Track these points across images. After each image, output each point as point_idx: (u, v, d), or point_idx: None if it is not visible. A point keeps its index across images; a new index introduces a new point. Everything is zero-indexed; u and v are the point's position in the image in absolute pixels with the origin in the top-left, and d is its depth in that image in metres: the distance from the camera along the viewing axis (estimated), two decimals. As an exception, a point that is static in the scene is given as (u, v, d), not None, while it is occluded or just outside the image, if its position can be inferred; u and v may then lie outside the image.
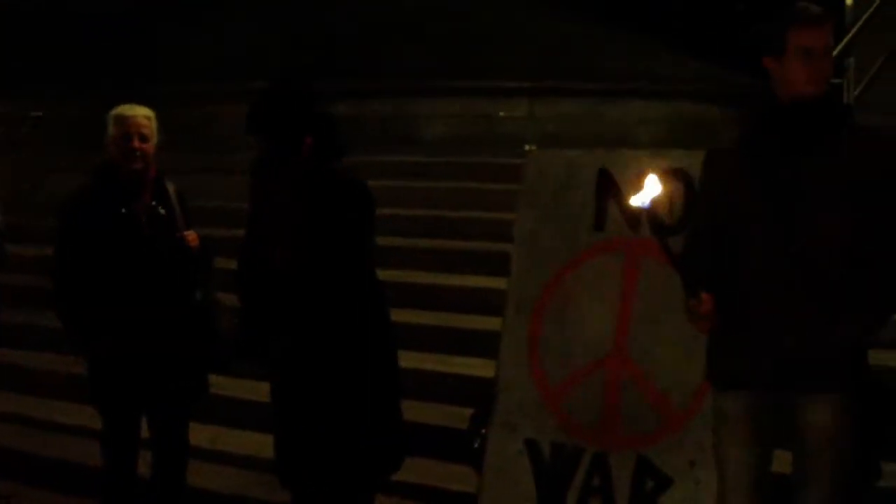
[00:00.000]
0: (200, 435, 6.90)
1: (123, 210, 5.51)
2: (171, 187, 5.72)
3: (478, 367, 7.04)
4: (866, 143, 4.04)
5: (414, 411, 6.74)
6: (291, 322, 5.14)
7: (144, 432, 5.81)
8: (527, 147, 5.98)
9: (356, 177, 5.25)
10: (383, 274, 5.47)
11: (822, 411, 4.03)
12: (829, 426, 4.03)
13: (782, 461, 4.28)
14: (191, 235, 5.66)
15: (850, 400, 4.03)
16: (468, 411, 6.05)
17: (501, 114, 12.58)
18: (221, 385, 6.70)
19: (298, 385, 5.21)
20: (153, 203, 5.60)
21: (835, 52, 6.99)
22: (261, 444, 6.49)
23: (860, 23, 8.19)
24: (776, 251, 3.97)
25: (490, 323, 6.74)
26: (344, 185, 5.16)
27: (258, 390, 6.14)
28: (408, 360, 7.06)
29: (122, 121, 5.53)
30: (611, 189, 5.48)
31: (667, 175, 5.20)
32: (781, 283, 3.97)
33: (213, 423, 7.31)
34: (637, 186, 4.10)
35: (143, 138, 5.53)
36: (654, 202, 4.09)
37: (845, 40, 7.89)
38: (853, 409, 4.04)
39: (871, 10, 8.19)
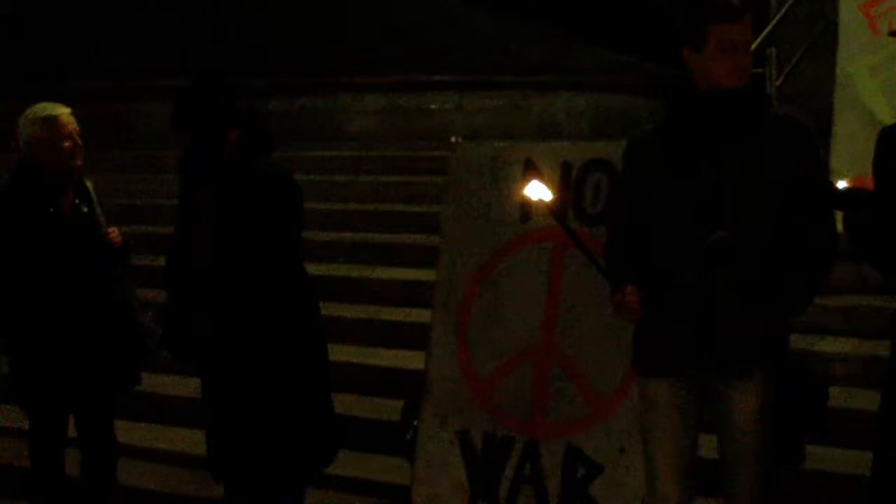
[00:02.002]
0: (132, 432, 6.91)
1: (51, 209, 5.50)
2: (89, 184, 5.71)
3: (408, 360, 7.06)
4: (784, 133, 4.09)
5: (346, 404, 6.77)
6: (219, 318, 5.14)
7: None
8: (453, 139, 6.00)
9: (284, 171, 5.25)
10: (313, 268, 5.48)
11: (746, 396, 4.09)
12: (752, 411, 4.09)
13: (710, 445, 4.34)
14: (114, 232, 5.66)
15: (773, 383, 4.09)
16: (400, 403, 6.08)
17: (431, 106, 12.58)
18: (153, 382, 6.67)
19: (228, 381, 5.21)
20: (76, 201, 5.60)
21: (757, 42, 7.11)
22: (193, 441, 6.48)
23: (782, 13, 8.27)
24: (695, 240, 4.01)
25: (420, 315, 6.77)
26: (270, 180, 5.15)
27: (189, 386, 6.13)
28: (339, 353, 7.10)
29: (52, 121, 5.53)
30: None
31: (551, 168, 5.34)
32: (701, 273, 4.02)
33: (145, 421, 7.30)
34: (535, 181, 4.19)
35: (73, 137, 5.53)
36: (553, 197, 4.18)
37: (767, 30, 7.97)
38: (776, 394, 4.10)
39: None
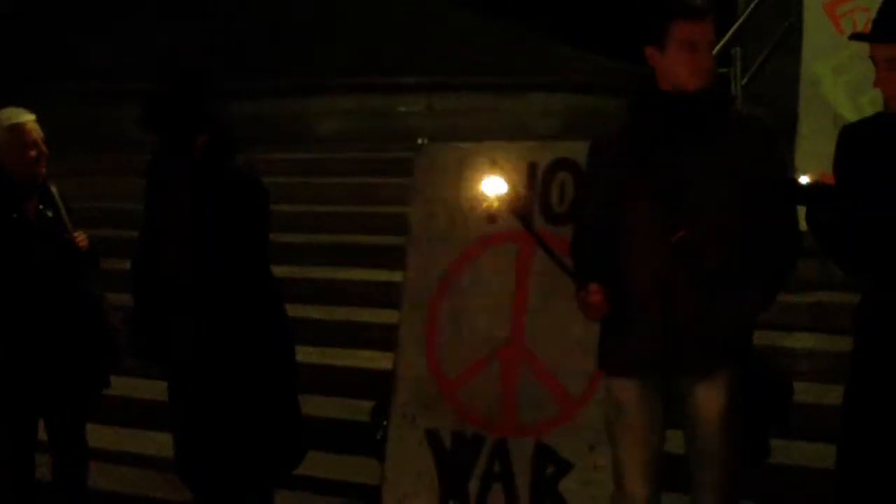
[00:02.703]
0: (102, 436, 6.88)
1: (15, 215, 5.50)
2: (54, 190, 5.71)
3: (378, 360, 7.08)
4: (745, 131, 4.12)
5: (315, 406, 6.78)
6: (186, 322, 5.14)
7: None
8: (419, 141, 6.01)
9: (251, 174, 5.25)
10: (281, 270, 5.48)
11: (710, 394, 4.11)
12: (717, 408, 4.11)
13: (677, 441, 4.36)
14: (80, 236, 5.66)
15: (738, 381, 4.12)
16: (370, 404, 6.09)
17: (401, 108, 12.59)
18: (123, 386, 6.66)
19: (195, 384, 5.21)
20: (41, 206, 5.60)
21: (722, 42, 7.16)
22: (163, 444, 6.46)
23: (747, 12, 8.32)
24: (658, 239, 4.03)
25: (388, 316, 6.77)
26: (237, 183, 5.16)
27: (158, 389, 6.11)
28: (308, 354, 7.11)
29: (19, 129, 5.54)
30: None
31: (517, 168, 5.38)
32: (665, 270, 4.04)
33: (115, 424, 7.28)
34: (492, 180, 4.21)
35: (38, 144, 5.54)
36: (518, 197, 4.20)
37: (732, 30, 8.01)
38: (741, 390, 4.13)
39: (759, -2, 8.34)
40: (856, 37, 4.03)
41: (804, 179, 4.03)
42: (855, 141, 4.03)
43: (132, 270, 5.37)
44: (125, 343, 5.65)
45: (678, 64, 4.05)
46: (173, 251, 5.16)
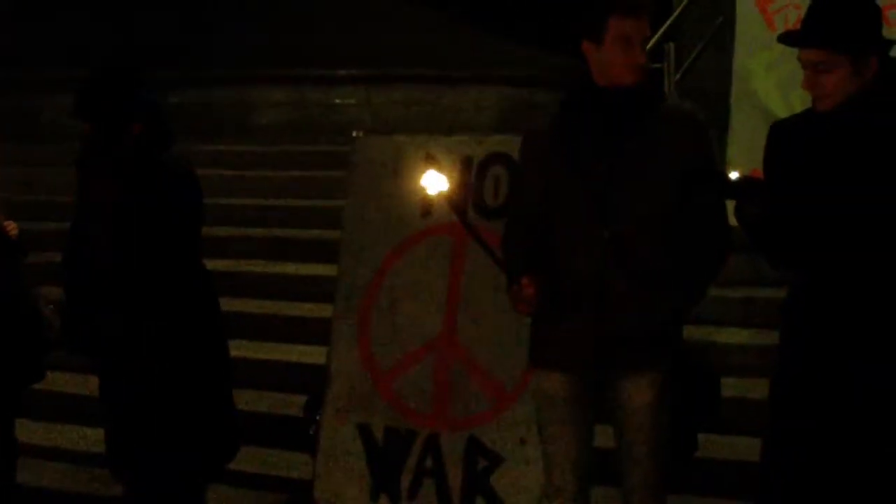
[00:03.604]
0: (33, 431, 6.82)
1: None
2: None
3: (312, 355, 7.06)
4: (676, 125, 4.15)
5: (249, 400, 6.77)
6: (115, 315, 5.09)
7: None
8: (354, 134, 6.01)
9: (185, 166, 5.21)
10: (217, 263, 5.45)
11: (640, 389, 4.13)
12: (647, 403, 4.13)
13: (608, 435, 4.38)
14: (10, 226, 5.60)
15: (667, 376, 4.14)
16: (303, 399, 6.08)
17: (338, 101, 12.55)
18: (53, 381, 6.59)
19: (126, 377, 5.16)
20: None
21: (655, 38, 7.20)
22: (92, 440, 6.43)
23: (680, 8, 8.37)
24: (590, 233, 4.05)
25: (323, 310, 6.75)
26: (171, 174, 5.12)
27: (90, 384, 6.06)
28: (242, 349, 7.09)
29: None
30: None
31: (457, 162, 5.41)
32: (596, 265, 4.06)
33: (46, 420, 7.21)
34: (432, 173, 4.21)
35: None
36: (453, 190, 4.20)
37: (665, 25, 8.06)
38: (670, 386, 4.15)
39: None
40: (783, 40, 4.07)
41: (734, 175, 4.06)
42: (784, 137, 4.07)
43: (63, 262, 5.31)
44: (57, 336, 5.59)
45: (613, 59, 4.07)
46: (103, 243, 5.10)
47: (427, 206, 5.58)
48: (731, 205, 4.11)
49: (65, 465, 6.90)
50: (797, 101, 6.26)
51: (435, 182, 4.27)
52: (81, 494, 6.54)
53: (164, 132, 5.18)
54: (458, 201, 4.52)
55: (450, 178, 4.33)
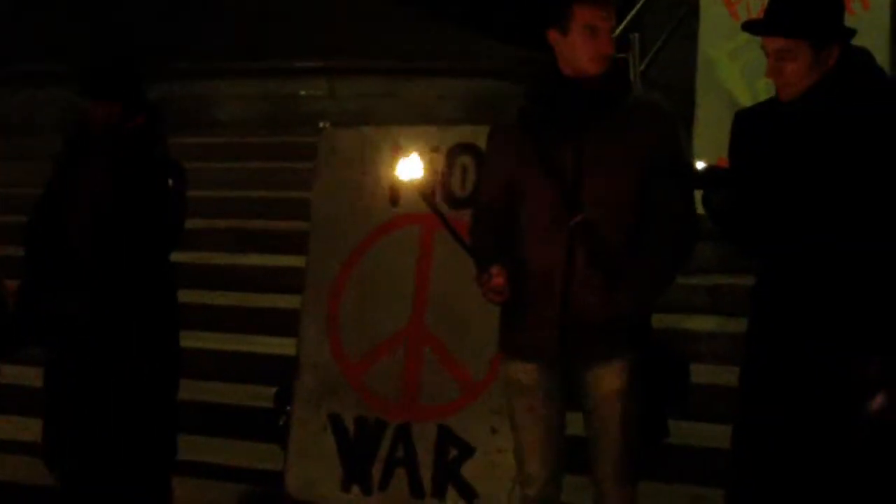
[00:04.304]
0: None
1: None
2: None
3: (280, 346, 7.02)
4: (643, 114, 4.17)
5: (218, 392, 6.76)
6: (81, 297, 5.06)
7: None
8: (321, 125, 6.01)
9: (177, 161, 5.27)
10: (183, 256, 5.44)
11: (609, 377, 4.15)
12: (616, 391, 4.15)
13: (579, 423, 4.40)
14: None
15: (636, 364, 4.16)
16: (272, 390, 6.07)
17: (302, 93, 12.53)
18: (9, 373, 6.53)
19: (80, 364, 5.13)
20: None
21: (620, 28, 7.22)
22: (21, 428, 6.38)
23: (645, -3, 8.43)
24: (557, 223, 4.06)
25: (291, 301, 6.74)
26: (166, 164, 5.17)
27: (26, 375, 6.02)
28: (209, 341, 7.09)
29: None
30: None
31: (434, 152, 5.44)
32: (564, 253, 4.07)
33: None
34: (407, 161, 4.21)
35: None
36: (423, 179, 4.20)
37: (630, 15, 8.09)
38: (639, 373, 4.17)
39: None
40: (747, 28, 4.09)
41: (700, 164, 4.08)
42: (748, 125, 4.09)
43: (25, 239, 5.27)
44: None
45: (580, 48, 4.08)
46: (82, 225, 5.09)
47: (395, 196, 5.59)
48: (698, 193, 4.14)
49: (20, 457, 6.82)
50: (762, 90, 6.31)
51: (409, 168, 4.26)
52: (18, 485, 6.46)
53: (160, 127, 5.21)
54: (427, 190, 4.52)
55: (422, 171, 4.32)
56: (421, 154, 5.30)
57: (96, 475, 5.21)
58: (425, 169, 4.29)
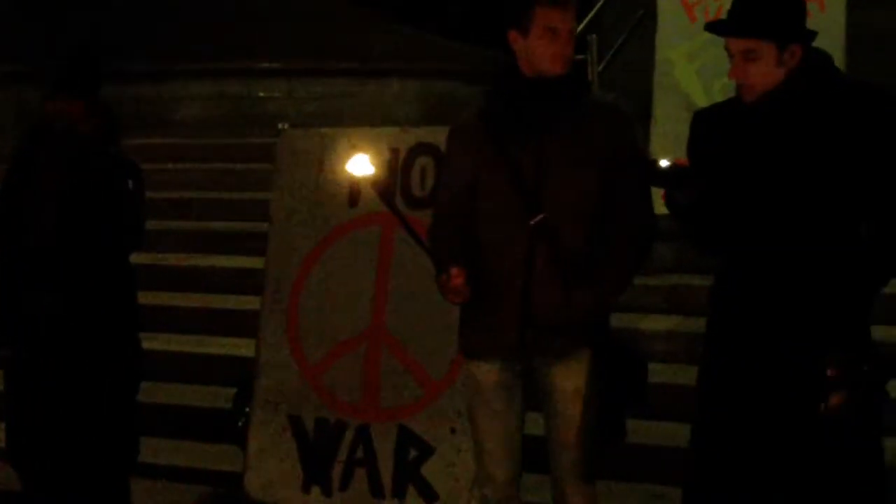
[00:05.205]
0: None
1: None
2: None
3: (239, 347, 7.04)
4: (604, 116, 4.19)
5: (177, 394, 6.73)
6: (46, 297, 5.04)
7: None
8: (279, 126, 6.01)
9: (133, 161, 5.25)
10: (141, 257, 5.42)
11: (567, 377, 4.16)
12: (574, 390, 4.16)
13: (538, 423, 4.42)
14: None
15: (594, 364, 4.18)
16: (232, 391, 6.06)
17: (261, 94, 12.51)
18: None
19: (41, 364, 5.10)
20: None
21: (579, 28, 7.26)
22: None
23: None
24: (517, 222, 4.07)
25: (250, 302, 6.75)
26: (124, 162, 5.16)
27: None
28: (168, 342, 7.06)
29: None
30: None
31: (387, 151, 5.47)
32: (523, 253, 4.09)
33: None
34: (359, 158, 4.21)
35: None
36: (375, 177, 4.21)
37: (589, 16, 8.13)
38: (597, 373, 4.19)
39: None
40: (711, 28, 4.11)
41: (664, 162, 4.09)
42: (706, 125, 4.12)
43: None
44: None
45: (540, 49, 4.09)
46: (46, 225, 5.06)
47: (354, 197, 5.61)
48: (658, 193, 4.16)
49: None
50: (718, 91, 6.37)
51: (361, 165, 4.25)
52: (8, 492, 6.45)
53: (115, 128, 5.21)
54: (385, 190, 4.52)
55: (378, 165, 4.32)
56: (380, 154, 5.36)
57: (60, 477, 5.18)
58: (379, 166, 4.29)
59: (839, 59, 5.74)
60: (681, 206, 3.99)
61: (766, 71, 3.84)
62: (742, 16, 3.88)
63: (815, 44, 3.94)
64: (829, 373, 3.68)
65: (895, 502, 4.02)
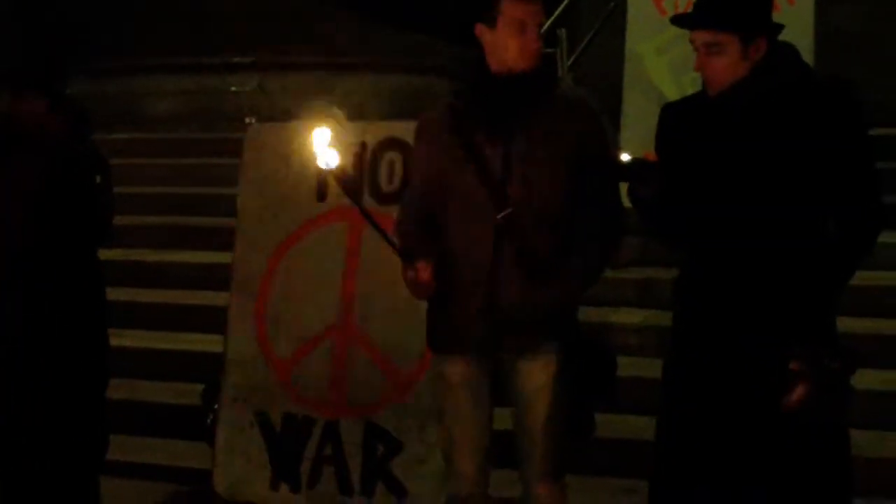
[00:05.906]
0: None
1: None
2: None
3: (207, 343, 6.96)
4: (572, 111, 4.17)
5: (145, 391, 6.70)
6: (17, 295, 5.00)
7: None
8: (247, 121, 5.98)
9: (104, 158, 5.22)
10: (112, 253, 5.38)
11: (535, 372, 4.15)
12: (543, 385, 4.15)
13: (506, 418, 4.40)
14: None
15: (562, 358, 4.17)
16: (200, 388, 6.03)
17: (233, 88, 12.47)
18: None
19: (9, 363, 5.07)
20: None
21: (549, 22, 7.26)
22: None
23: (573, -7, 8.48)
24: (484, 218, 4.06)
25: (218, 298, 6.71)
26: (96, 158, 5.13)
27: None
28: (136, 338, 7.02)
29: None
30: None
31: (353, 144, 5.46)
32: (489, 250, 4.07)
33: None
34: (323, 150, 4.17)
35: None
36: (340, 172, 4.18)
37: (559, 10, 8.13)
38: (566, 367, 4.18)
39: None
40: (676, 21, 4.11)
41: (626, 157, 4.09)
42: (675, 118, 4.12)
43: None
44: None
45: (508, 43, 4.08)
46: (15, 223, 5.02)
47: (322, 192, 5.59)
48: (624, 187, 4.15)
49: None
50: (688, 84, 6.37)
51: (328, 159, 4.21)
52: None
53: (85, 123, 5.17)
54: (352, 186, 4.50)
55: (344, 162, 4.29)
56: (347, 149, 5.33)
57: (28, 475, 5.15)
58: (346, 161, 4.25)
59: (808, 54, 5.76)
60: (643, 200, 3.99)
61: (730, 63, 3.84)
62: (706, 8, 3.89)
63: (784, 38, 3.94)
64: (791, 366, 3.68)
65: (861, 494, 4.02)
